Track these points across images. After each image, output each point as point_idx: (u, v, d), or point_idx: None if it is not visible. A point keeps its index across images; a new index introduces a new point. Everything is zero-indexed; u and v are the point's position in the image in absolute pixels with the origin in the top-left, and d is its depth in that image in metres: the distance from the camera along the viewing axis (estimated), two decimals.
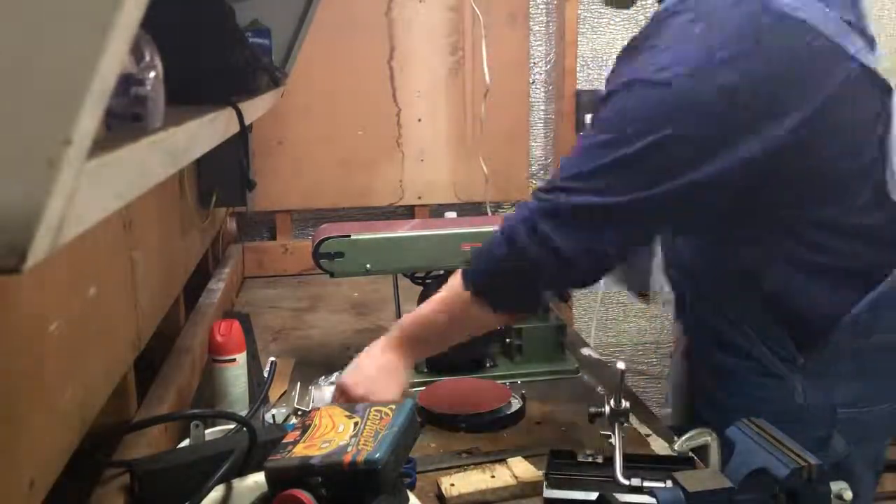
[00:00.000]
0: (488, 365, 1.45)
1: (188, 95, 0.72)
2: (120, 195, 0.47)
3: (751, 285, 1.13)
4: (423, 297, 1.48)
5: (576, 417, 1.27)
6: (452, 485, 1.04)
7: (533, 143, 2.38)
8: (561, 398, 1.36)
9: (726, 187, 1.01)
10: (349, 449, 0.87)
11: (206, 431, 1.05)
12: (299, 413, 1.26)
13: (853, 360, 1.16)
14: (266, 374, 1.24)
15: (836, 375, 1.17)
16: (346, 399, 1.14)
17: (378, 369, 1.17)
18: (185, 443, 1.05)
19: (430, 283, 1.49)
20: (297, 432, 0.95)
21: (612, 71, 1.09)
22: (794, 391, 1.17)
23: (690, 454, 1.07)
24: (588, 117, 2.28)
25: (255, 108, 1.15)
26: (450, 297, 1.14)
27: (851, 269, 1.09)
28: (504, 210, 2.37)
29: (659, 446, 1.19)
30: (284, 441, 0.93)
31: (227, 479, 0.93)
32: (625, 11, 2.35)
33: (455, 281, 1.13)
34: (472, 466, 1.12)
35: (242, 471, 0.95)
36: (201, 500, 0.89)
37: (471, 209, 2.30)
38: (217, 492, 0.92)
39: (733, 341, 1.20)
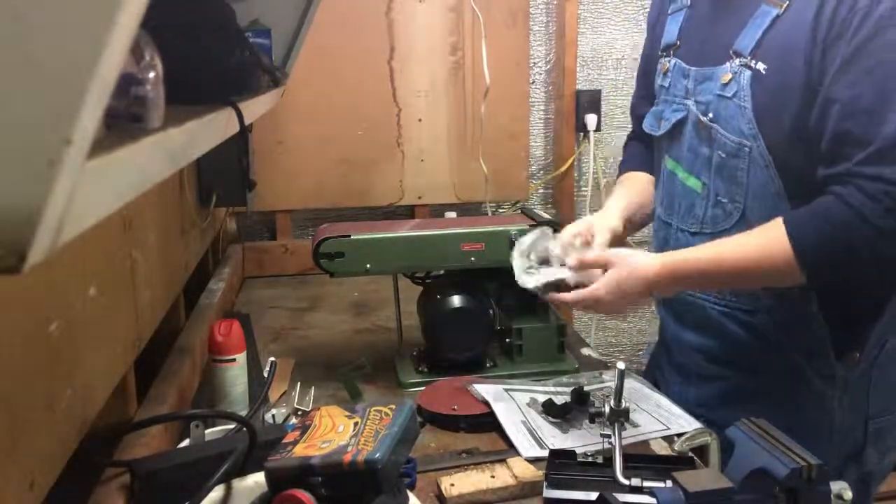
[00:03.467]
0: (488, 365, 1.45)
1: (188, 95, 0.72)
2: (120, 195, 0.47)
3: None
4: (423, 297, 1.48)
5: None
6: (452, 485, 1.04)
7: (533, 143, 2.38)
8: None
9: None
10: (349, 449, 0.87)
11: (206, 431, 1.05)
12: (299, 413, 1.26)
13: (881, 369, 1.18)
14: (266, 374, 1.24)
15: (869, 386, 1.18)
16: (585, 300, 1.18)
17: (637, 295, 1.17)
18: (185, 443, 1.05)
19: (430, 282, 1.49)
20: (297, 432, 0.95)
21: None
22: (832, 409, 1.19)
23: (690, 454, 1.07)
24: (589, 117, 2.29)
25: (255, 108, 1.15)
26: (751, 249, 1.10)
27: None
28: (504, 210, 2.37)
29: (659, 446, 1.19)
30: (284, 441, 0.93)
31: (227, 479, 0.93)
32: (625, 11, 2.35)
33: (766, 236, 1.09)
34: (472, 466, 1.12)
35: (242, 471, 0.95)
36: (201, 500, 0.89)
37: (471, 209, 2.30)
38: (217, 492, 0.92)
39: (765, 358, 1.20)
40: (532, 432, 1.19)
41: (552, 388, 1.32)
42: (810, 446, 1.03)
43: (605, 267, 1.17)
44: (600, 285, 1.16)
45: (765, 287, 1.17)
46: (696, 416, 1.24)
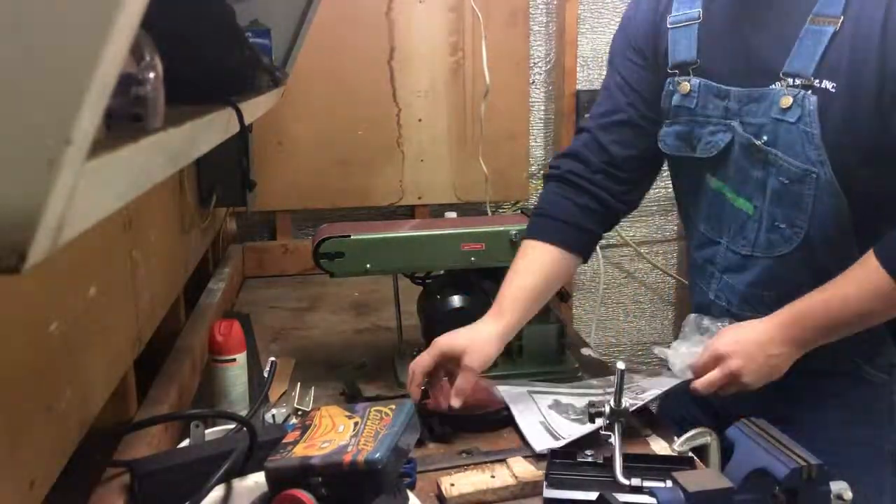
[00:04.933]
0: None
1: (188, 95, 0.72)
2: (120, 195, 0.47)
3: None
4: (423, 297, 1.48)
5: None
6: (452, 485, 1.04)
7: (533, 143, 2.38)
8: None
9: None
10: (349, 449, 0.87)
11: (206, 431, 1.05)
12: (299, 413, 1.26)
13: None
14: (266, 374, 1.24)
15: None
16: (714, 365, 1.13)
17: (769, 363, 1.12)
18: (185, 443, 1.05)
19: (430, 283, 1.49)
20: (297, 432, 0.95)
21: None
22: (891, 394, 1.19)
23: (690, 454, 1.07)
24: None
25: (255, 108, 1.15)
26: (854, 286, 1.08)
27: None
28: (504, 210, 2.37)
29: (659, 446, 1.19)
30: (284, 441, 0.93)
31: (227, 479, 0.93)
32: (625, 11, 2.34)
33: (864, 269, 1.07)
34: (472, 466, 1.12)
35: (242, 471, 0.95)
36: (201, 500, 0.89)
37: (471, 209, 2.30)
38: (217, 492, 0.92)
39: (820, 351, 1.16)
40: (549, 431, 1.19)
41: (577, 391, 1.32)
42: (871, 433, 1.17)
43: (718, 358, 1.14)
44: (726, 353, 1.12)
45: (881, 319, 1.13)
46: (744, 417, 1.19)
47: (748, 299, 1.21)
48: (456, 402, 1.17)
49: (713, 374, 1.13)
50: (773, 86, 1.11)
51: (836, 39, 1.05)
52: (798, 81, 1.08)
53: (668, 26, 1.25)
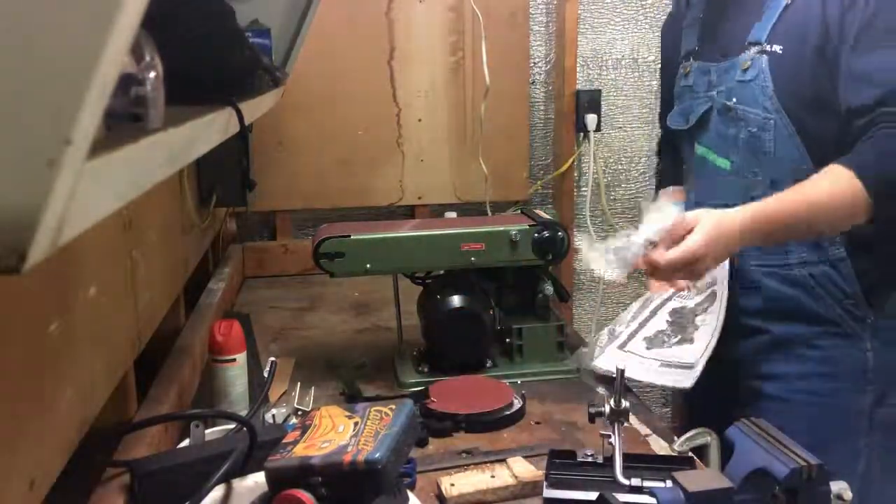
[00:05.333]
0: (488, 365, 1.45)
1: (188, 95, 0.72)
2: (120, 195, 0.47)
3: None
4: (423, 297, 1.48)
5: (576, 417, 1.27)
6: (452, 485, 1.04)
7: (533, 143, 2.38)
8: (561, 398, 1.36)
9: None
10: (349, 449, 0.87)
11: (206, 431, 1.05)
12: (299, 413, 1.26)
13: None
14: (266, 374, 1.24)
15: None
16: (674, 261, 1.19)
17: (727, 251, 1.23)
18: (185, 443, 1.05)
19: (430, 283, 1.49)
20: (297, 432, 0.95)
21: None
22: (865, 350, 1.31)
23: (690, 454, 1.07)
24: (589, 117, 2.29)
25: (255, 108, 1.15)
26: (825, 192, 1.19)
27: None
28: (504, 210, 2.37)
29: (659, 446, 1.19)
30: (284, 441, 0.93)
31: (227, 479, 0.93)
32: (625, 11, 2.35)
33: (834, 178, 1.19)
34: (472, 466, 1.12)
35: (242, 471, 0.95)
36: (201, 500, 0.89)
37: (471, 209, 2.30)
38: (217, 492, 0.92)
39: (804, 307, 1.33)
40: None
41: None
42: (847, 388, 1.32)
43: (690, 229, 1.20)
44: (699, 239, 1.18)
45: (837, 229, 1.28)
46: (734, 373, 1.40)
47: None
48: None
49: (680, 254, 1.19)
50: (741, 55, 1.34)
51: (788, 10, 1.29)
52: (754, 49, 1.32)
53: (682, 27, 1.54)
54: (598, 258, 1.26)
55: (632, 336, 1.45)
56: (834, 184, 1.19)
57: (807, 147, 1.29)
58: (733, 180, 1.37)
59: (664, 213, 1.25)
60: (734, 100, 1.35)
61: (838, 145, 1.24)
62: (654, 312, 1.49)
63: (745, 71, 1.33)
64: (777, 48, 1.29)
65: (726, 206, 1.27)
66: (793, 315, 1.35)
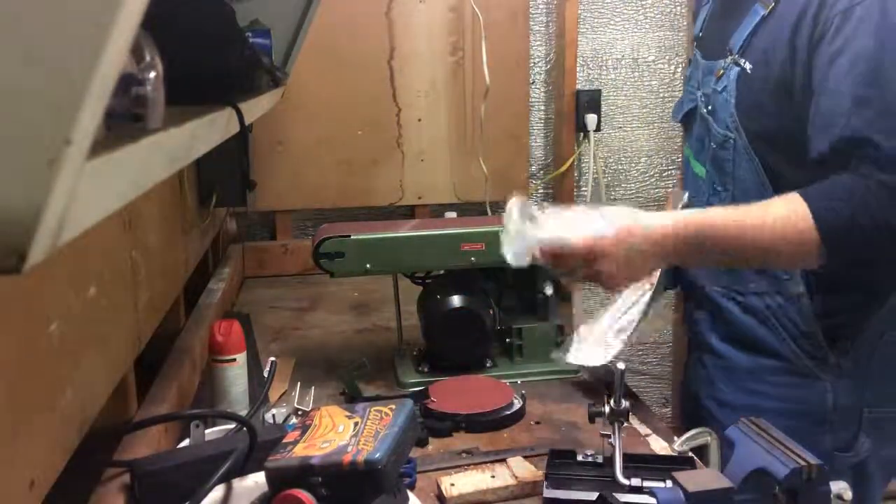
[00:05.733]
0: (488, 365, 1.45)
1: (188, 95, 0.72)
2: (120, 195, 0.47)
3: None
4: (423, 297, 1.48)
5: (576, 417, 1.27)
6: (452, 485, 1.04)
7: (533, 143, 2.38)
8: (561, 398, 1.36)
9: None
10: (349, 449, 0.87)
11: (206, 431, 1.05)
12: (299, 413, 1.26)
13: (883, 359, 1.19)
14: (266, 374, 1.24)
15: (866, 376, 1.19)
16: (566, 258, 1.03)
17: (642, 259, 1.04)
18: (185, 443, 1.05)
19: (430, 283, 1.49)
20: (297, 432, 0.95)
21: None
22: (825, 392, 1.20)
23: (690, 454, 1.07)
24: (589, 117, 2.29)
25: (255, 108, 1.15)
26: (774, 219, 1.03)
27: None
28: (504, 210, 2.36)
29: (659, 446, 1.19)
30: (284, 441, 0.93)
31: (227, 479, 0.93)
32: (625, 11, 2.35)
33: (788, 209, 1.03)
34: (472, 466, 1.12)
35: (242, 471, 0.95)
36: (201, 500, 0.89)
37: (471, 209, 2.30)
38: (217, 492, 0.92)
39: (760, 338, 1.23)
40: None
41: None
42: (804, 429, 1.10)
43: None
44: (603, 231, 1.01)
45: (784, 263, 1.14)
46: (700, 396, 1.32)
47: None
48: None
49: (577, 263, 1.04)
50: (719, 61, 1.24)
51: (764, 23, 1.16)
52: (730, 58, 1.21)
53: (702, 4, 1.43)
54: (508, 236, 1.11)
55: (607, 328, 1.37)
56: (787, 213, 1.03)
57: (768, 175, 1.17)
58: (706, 191, 1.29)
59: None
60: (709, 108, 1.26)
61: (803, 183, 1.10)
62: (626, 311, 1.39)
63: (717, 79, 1.23)
64: (747, 65, 1.17)
65: None
66: (751, 345, 1.26)
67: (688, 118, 1.36)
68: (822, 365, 1.21)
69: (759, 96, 1.15)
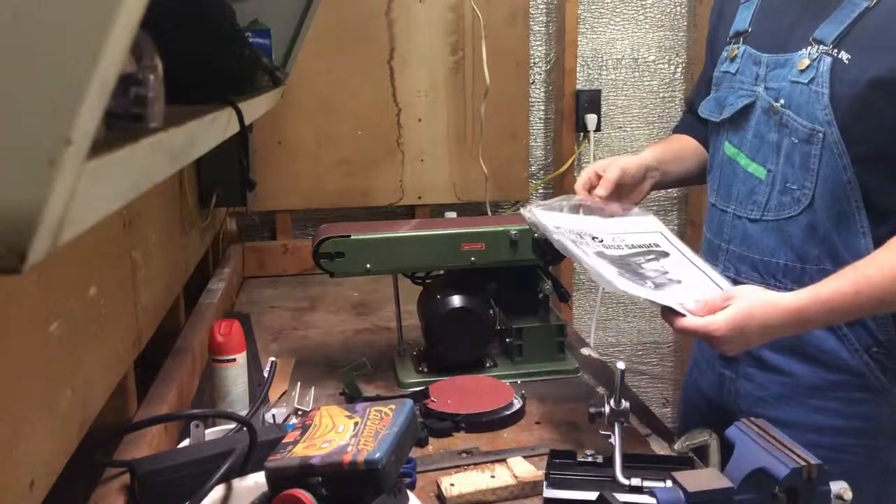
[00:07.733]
0: (488, 365, 1.45)
1: (188, 95, 0.72)
2: (120, 195, 0.47)
3: None
4: (423, 297, 1.48)
5: (576, 417, 1.27)
6: (452, 485, 1.04)
7: (533, 143, 2.38)
8: (561, 398, 1.36)
9: None
10: (349, 449, 0.87)
11: (206, 431, 1.05)
12: (299, 413, 1.26)
13: None
14: (266, 374, 1.24)
15: None
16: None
17: (764, 336, 1.07)
18: (185, 443, 1.05)
19: (430, 283, 1.49)
20: (297, 432, 0.95)
21: None
22: (894, 405, 1.17)
23: (690, 454, 1.07)
24: (589, 117, 2.29)
25: (255, 108, 1.15)
26: (885, 272, 1.04)
27: None
28: (504, 210, 2.37)
29: (659, 446, 1.19)
30: (284, 441, 0.93)
31: (227, 479, 0.93)
32: (625, 11, 2.35)
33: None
34: (471, 466, 1.12)
35: (242, 471, 0.95)
36: (201, 500, 0.89)
37: (471, 209, 2.30)
38: (217, 492, 0.92)
39: (828, 350, 1.17)
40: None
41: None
42: (874, 446, 1.16)
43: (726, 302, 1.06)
44: (721, 322, 1.02)
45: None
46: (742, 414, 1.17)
47: (756, 266, 1.22)
48: (601, 191, 1.26)
49: (695, 327, 1.04)
50: (800, 51, 1.16)
51: (868, 15, 1.10)
52: (819, 48, 1.13)
53: (741, 2, 1.33)
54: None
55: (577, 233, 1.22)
56: (890, 261, 1.04)
57: (856, 171, 1.12)
58: (766, 192, 1.20)
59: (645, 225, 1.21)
60: (782, 101, 1.18)
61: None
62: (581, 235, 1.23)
63: (802, 71, 1.15)
64: (844, 56, 1.11)
65: (763, 220, 1.19)
66: (815, 357, 1.18)
67: (739, 115, 1.26)
68: (893, 377, 1.17)
69: (859, 89, 1.10)
